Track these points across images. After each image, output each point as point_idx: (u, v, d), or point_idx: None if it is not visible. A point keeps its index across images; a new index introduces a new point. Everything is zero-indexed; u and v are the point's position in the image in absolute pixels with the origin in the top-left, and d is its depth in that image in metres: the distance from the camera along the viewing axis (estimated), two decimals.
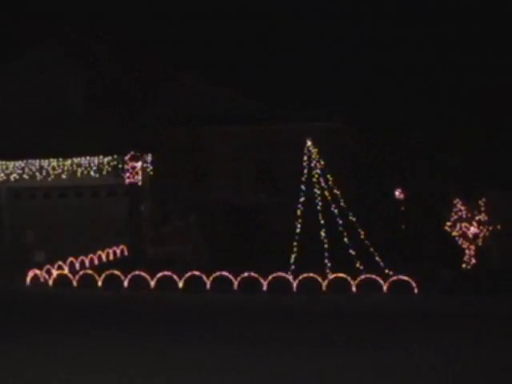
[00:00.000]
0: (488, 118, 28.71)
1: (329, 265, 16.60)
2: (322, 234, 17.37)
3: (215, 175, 24.51)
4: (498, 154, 27.96)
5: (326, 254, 17.02)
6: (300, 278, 15.92)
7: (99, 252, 21.45)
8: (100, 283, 17.11)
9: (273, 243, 17.69)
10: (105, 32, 23.81)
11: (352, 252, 17.79)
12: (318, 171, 19.13)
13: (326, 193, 18.81)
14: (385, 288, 15.40)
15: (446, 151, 27.69)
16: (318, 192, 18.40)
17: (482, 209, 18.26)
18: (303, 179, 18.35)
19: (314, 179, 18.80)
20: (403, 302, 14.26)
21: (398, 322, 12.09)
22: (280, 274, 16.10)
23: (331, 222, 18.31)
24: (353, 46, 36.70)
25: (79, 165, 24.61)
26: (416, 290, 15.18)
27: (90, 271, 17.90)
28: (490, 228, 18.11)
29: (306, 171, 19.14)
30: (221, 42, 34.70)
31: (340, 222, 17.97)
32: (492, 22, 32.67)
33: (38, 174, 24.80)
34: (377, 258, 17.65)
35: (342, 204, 18.29)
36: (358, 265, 16.75)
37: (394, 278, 15.69)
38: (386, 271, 16.49)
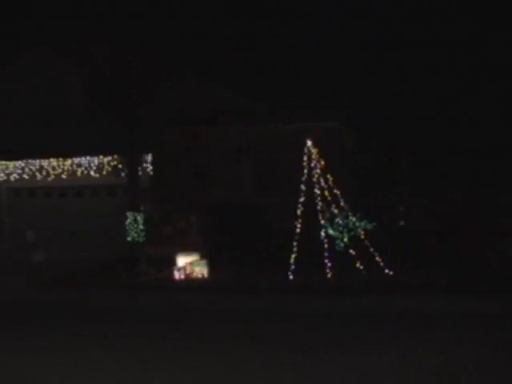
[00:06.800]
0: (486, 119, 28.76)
1: (329, 265, 16.61)
2: (322, 234, 17.38)
3: (215, 175, 24.53)
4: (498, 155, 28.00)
5: (326, 254, 17.04)
6: (300, 278, 15.93)
7: (99, 252, 21.45)
8: (99, 283, 17.11)
9: (273, 243, 17.72)
10: (105, 31, 23.80)
11: (352, 252, 17.84)
12: (318, 171, 19.16)
13: (326, 193, 18.84)
14: (385, 288, 15.40)
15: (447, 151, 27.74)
16: (318, 192, 18.42)
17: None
18: (303, 179, 18.36)
19: (314, 179, 18.81)
20: (403, 302, 14.26)
21: (397, 322, 12.09)
22: (280, 274, 16.12)
23: (332, 223, 18.36)
24: (353, 46, 36.67)
25: (79, 165, 24.66)
26: (415, 290, 15.19)
27: (89, 271, 17.92)
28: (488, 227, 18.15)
29: (305, 171, 19.17)
30: (221, 42, 34.65)
31: (340, 222, 18.01)
32: (486, 22, 32.75)
33: (37, 173, 24.84)
34: (377, 258, 17.68)
35: (342, 204, 18.32)
36: (358, 265, 16.77)
37: (394, 278, 15.72)
38: (386, 271, 16.54)
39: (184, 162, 25.45)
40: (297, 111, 24.44)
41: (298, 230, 17.29)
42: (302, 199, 18.29)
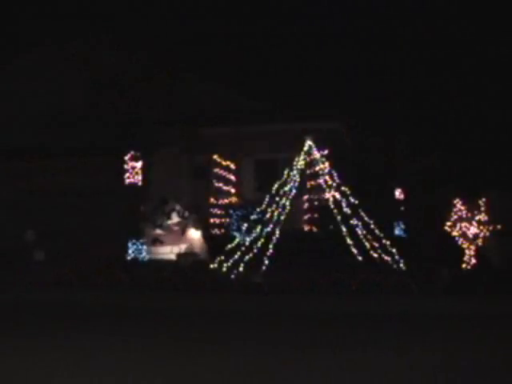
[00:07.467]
0: (488, 119, 28.75)
1: (329, 265, 16.64)
2: (322, 234, 17.39)
3: (216, 175, 24.51)
4: (498, 154, 28.00)
5: (327, 255, 17.07)
6: (300, 278, 15.91)
7: (99, 252, 21.40)
8: (100, 283, 17.10)
9: (275, 243, 17.70)
10: (105, 31, 23.82)
11: (354, 252, 17.88)
12: (319, 171, 19.16)
13: (327, 194, 18.85)
14: (385, 288, 15.41)
15: (445, 151, 27.75)
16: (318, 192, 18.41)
17: (482, 209, 18.30)
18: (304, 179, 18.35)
19: (314, 180, 18.83)
20: (403, 302, 14.26)
21: (397, 322, 12.08)
22: (280, 273, 16.11)
23: (333, 223, 18.36)
24: (353, 46, 36.68)
25: (79, 165, 24.63)
26: (416, 291, 15.20)
27: (89, 271, 17.89)
28: (491, 228, 18.17)
29: (307, 172, 19.20)
30: (221, 42, 34.66)
31: (341, 222, 18.03)
32: (486, 22, 32.76)
33: (38, 173, 24.82)
34: (377, 259, 17.71)
35: (342, 204, 18.33)
36: (359, 265, 16.80)
37: (394, 278, 15.73)
38: (387, 271, 16.55)
39: (184, 162, 25.43)
40: (297, 111, 24.43)
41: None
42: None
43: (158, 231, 20.12)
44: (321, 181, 19.19)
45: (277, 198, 18.82)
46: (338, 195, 18.47)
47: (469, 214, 18.37)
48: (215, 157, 24.41)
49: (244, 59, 31.45)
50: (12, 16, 33.72)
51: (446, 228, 18.59)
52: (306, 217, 22.00)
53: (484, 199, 18.40)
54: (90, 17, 26.33)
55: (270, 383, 7.84)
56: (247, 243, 17.82)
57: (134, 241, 19.88)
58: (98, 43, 24.11)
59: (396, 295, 14.89)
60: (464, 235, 18.33)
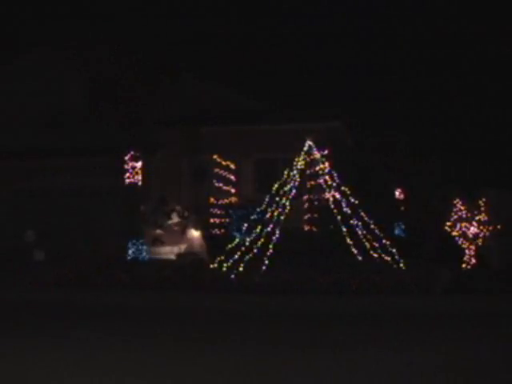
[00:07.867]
0: (486, 118, 28.77)
1: (329, 265, 16.65)
2: (323, 234, 17.38)
3: (215, 175, 24.51)
4: (497, 153, 28.01)
5: (328, 254, 17.07)
6: (300, 278, 15.90)
7: (99, 252, 21.39)
8: (100, 283, 17.08)
9: (275, 243, 17.70)
10: (105, 31, 23.80)
11: (354, 251, 17.88)
12: (319, 171, 19.17)
13: (327, 194, 18.85)
14: (385, 288, 15.40)
15: (445, 151, 27.77)
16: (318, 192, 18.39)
17: (482, 209, 18.31)
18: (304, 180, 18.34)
19: (314, 181, 18.80)
20: (403, 302, 14.26)
21: (397, 322, 12.08)
22: (280, 273, 16.11)
23: (333, 223, 18.36)
24: (353, 46, 36.69)
25: (79, 165, 24.63)
26: (416, 291, 15.19)
27: (89, 271, 17.87)
28: (490, 228, 18.18)
29: (307, 172, 19.18)
30: (221, 42, 34.68)
31: (341, 222, 18.03)
32: (486, 22, 32.78)
33: (37, 174, 24.81)
34: (377, 258, 17.71)
35: (342, 204, 18.34)
36: (359, 265, 16.80)
37: (394, 278, 15.73)
38: (387, 271, 16.55)
39: (184, 162, 25.44)
40: (297, 111, 24.43)
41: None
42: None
43: (158, 231, 20.12)
44: (321, 181, 19.19)
45: (277, 198, 18.79)
46: (338, 195, 18.45)
47: (469, 214, 18.38)
48: (215, 157, 24.40)
49: (244, 59, 31.47)
50: (12, 16, 33.72)
51: (446, 228, 18.61)
52: (305, 217, 22.02)
53: (484, 199, 18.41)
54: (90, 17, 26.33)
55: (270, 383, 7.84)
56: (247, 243, 17.79)
57: (134, 241, 19.85)
58: (97, 43, 24.09)
59: (396, 295, 14.89)
60: (464, 235, 18.34)
